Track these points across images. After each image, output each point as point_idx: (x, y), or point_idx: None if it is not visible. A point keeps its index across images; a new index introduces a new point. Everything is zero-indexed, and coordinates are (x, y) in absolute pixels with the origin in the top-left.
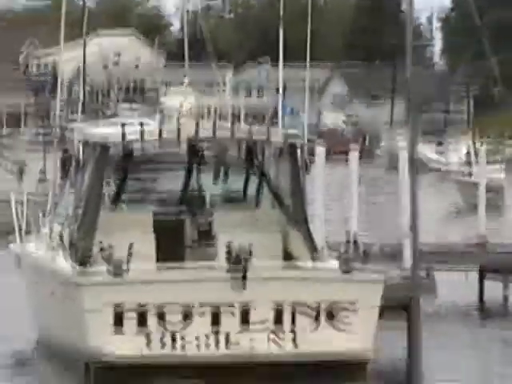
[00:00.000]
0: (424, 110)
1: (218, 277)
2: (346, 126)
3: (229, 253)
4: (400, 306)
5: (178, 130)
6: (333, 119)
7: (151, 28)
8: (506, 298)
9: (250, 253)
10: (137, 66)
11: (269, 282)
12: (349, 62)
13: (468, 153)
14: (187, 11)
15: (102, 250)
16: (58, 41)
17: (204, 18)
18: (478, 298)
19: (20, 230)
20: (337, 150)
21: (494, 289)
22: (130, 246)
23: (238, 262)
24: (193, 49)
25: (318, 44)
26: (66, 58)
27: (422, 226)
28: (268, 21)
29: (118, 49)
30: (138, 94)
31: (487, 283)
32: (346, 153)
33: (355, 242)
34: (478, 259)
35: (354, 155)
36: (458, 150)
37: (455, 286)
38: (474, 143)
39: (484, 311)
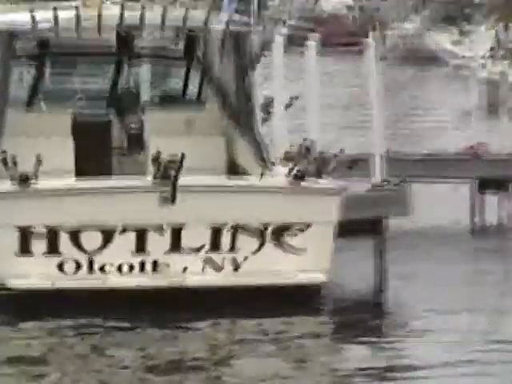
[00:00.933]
0: None
1: (143, 190)
2: (350, 11)
3: (156, 163)
4: (366, 223)
5: (99, 15)
6: (335, 3)
7: None
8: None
9: (181, 162)
10: None
11: (203, 196)
12: None
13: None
14: None
15: (4, 160)
16: None
17: None
18: (470, 218)
19: None
20: (337, 42)
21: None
22: (38, 157)
23: (167, 176)
24: None
25: None
26: None
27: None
28: None
29: None
30: None
31: (482, 197)
32: (349, 45)
33: (308, 150)
34: (471, 169)
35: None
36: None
37: (444, 200)
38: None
39: (481, 233)
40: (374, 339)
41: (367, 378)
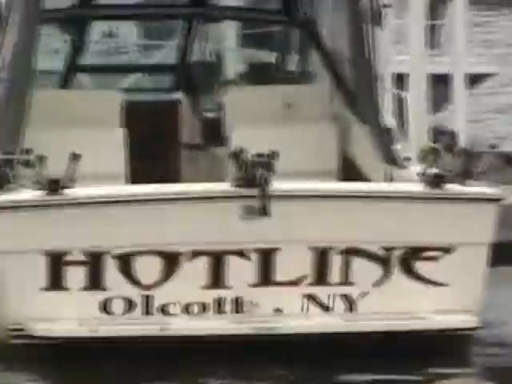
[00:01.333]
0: None
1: (221, 199)
2: None
3: (239, 161)
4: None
5: None
6: None
7: None
8: None
9: (274, 160)
10: None
11: (305, 208)
12: None
13: None
14: None
15: (27, 162)
16: None
17: None
18: None
19: None
20: None
21: None
22: (74, 154)
23: (254, 179)
24: None
25: None
26: None
27: None
28: None
29: None
30: None
31: None
32: None
33: (454, 143)
34: None
35: None
36: None
37: None
38: None
39: None
40: None
41: None
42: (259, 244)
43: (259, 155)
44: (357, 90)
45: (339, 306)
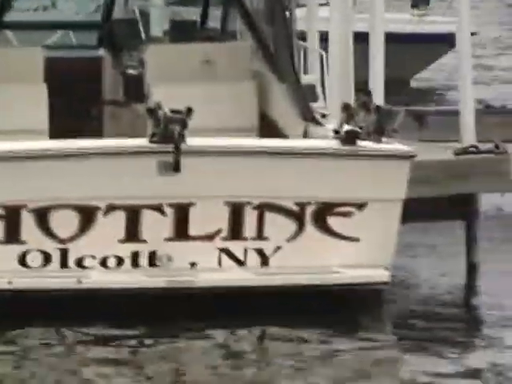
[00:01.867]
0: None
1: (137, 155)
2: None
3: (155, 117)
4: (448, 203)
5: None
6: None
7: None
8: None
9: (189, 116)
10: None
11: (220, 163)
12: None
13: None
14: None
15: None
16: None
17: None
18: None
19: None
20: None
21: None
22: None
23: (169, 135)
24: None
25: None
26: None
27: None
28: None
29: None
30: None
31: None
32: None
33: (367, 104)
34: None
35: None
36: None
37: None
38: None
39: None
40: (462, 358)
41: None
42: (174, 199)
43: (174, 111)
44: (275, 48)
45: (253, 260)
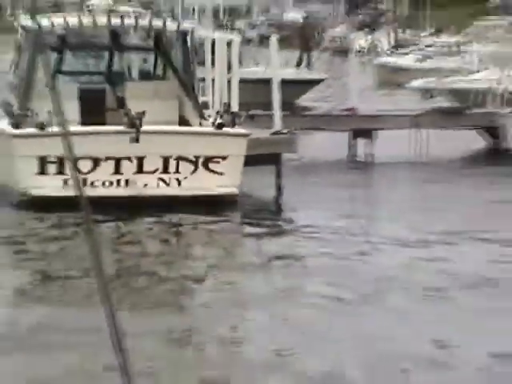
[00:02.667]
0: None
1: (118, 133)
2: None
3: (127, 116)
4: (267, 158)
5: (94, 20)
6: (293, 15)
7: None
8: (369, 156)
9: (142, 116)
10: None
11: (157, 136)
12: None
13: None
14: None
15: (28, 115)
16: None
17: None
18: (347, 154)
19: None
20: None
21: (360, 146)
22: (49, 111)
23: (134, 123)
24: None
25: None
26: None
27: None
28: None
29: None
30: None
31: (355, 141)
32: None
33: (228, 109)
34: (349, 123)
35: (273, 41)
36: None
37: (327, 145)
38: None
39: (353, 164)
40: (271, 231)
41: (262, 258)
42: (136, 154)
43: (137, 113)
44: (186, 84)
45: (174, 183)
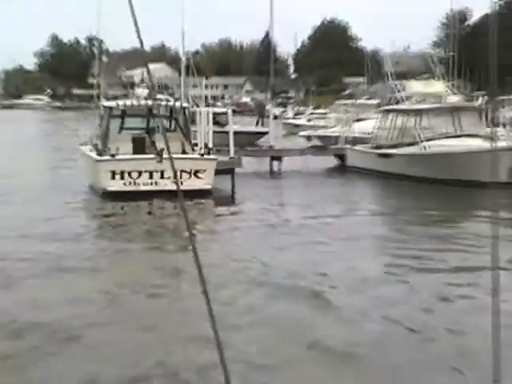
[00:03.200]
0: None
1: (154, 158)
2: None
3: (156, 150)
4: (227, 171)
5: (139, 102)
6: (245, 99)
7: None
8: (279, 170)
9: (163, 150)
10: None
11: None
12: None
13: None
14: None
15: (108, 149)
16: None
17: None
18: (269, 169)
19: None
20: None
21: (275, 165)
22: (117, 148)
23: (159, 153)
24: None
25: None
26: None
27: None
28: None
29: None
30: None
31: (272, 162)
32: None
33: (206, 146)
34: (269, 152)
35: (229, 112)
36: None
37: (259, 164)
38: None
39: (271, 174)
40: (228, 210)
41: (223, 225)
42: (160, 169)
43: (161, 149)
44: (186, 134)
45: (169, 180)
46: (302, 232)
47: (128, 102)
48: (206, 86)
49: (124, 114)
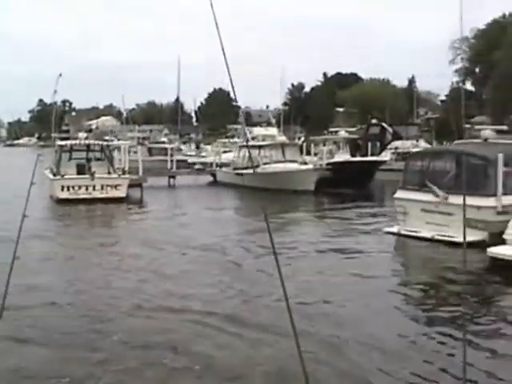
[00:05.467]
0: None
1: (87, 179)
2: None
3: (91, 173)
4: (138, 185)
5: (80, 142)
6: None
7: None
8: (174, 184)
9: (94, 172)
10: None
11: (99, 178)
12: None
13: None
14: None
15: (60, 172)
16: None
17: None
18: (167, 183)
19: (48, 168)
20: None
21: (172, 180)
22: (66, 172)
23: (92, 174)
24: None
25: None
26: None
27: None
28: None
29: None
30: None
31: (170, 179)
32: None
33: (123, 169)
34: (167, 173)
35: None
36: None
37: (161, 181)
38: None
39: (169, 187)
40: (138, 211)
41: (132, 220)
42: (92, 184)
43: (94, 172)
44: (110, 160)
45: (104, 193)
46: (187, 218)
47: (73, 142)
48: (139, 131)
49: (71, 149)
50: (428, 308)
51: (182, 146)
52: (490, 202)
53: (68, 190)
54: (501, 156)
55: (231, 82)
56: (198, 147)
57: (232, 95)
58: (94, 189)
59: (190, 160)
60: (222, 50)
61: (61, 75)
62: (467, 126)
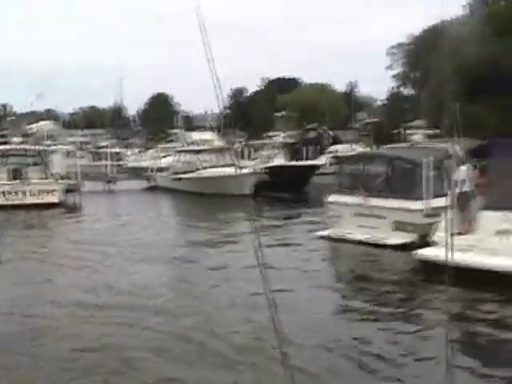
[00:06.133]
0: None
1: (22, 183)
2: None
3: (24, 176)
4: (75, 190)
5: (16, 147)
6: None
7: None
8: (112, 189)
9: (29, 178)
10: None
11: (34, 184)
12: None
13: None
14: None
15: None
16: None
17: None
18: (105, 188)
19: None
20: None
21: (110, 186)
22: (1, 177)
23: (26, 179)
24: None
25: None
26: None
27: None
28: None
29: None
30: None
31: (106, 184)
32: None
33: (60, 174)
34: (105, 178)
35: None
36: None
37: (100, 187)
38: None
39: (107, 192)
40: (75, 214)
41: (71, 223)
42: (19, 189)
43: (28, 177)
44: (46, 165)
45: (40, 198)
46: (126, 218)
47: (8, 147)
48: (82, 135)
49: (5, 154)
50: (354, 308)
51: (129, 151)
52: (418, 205)
53: (4, 195)
54: (430, 160)
55: (215, 88)
56: (139, 151)
57: (217, 102)
58: (28, 194)
59: (131, 165)
60: (208, 59)
61: None
62: (399, 130)
